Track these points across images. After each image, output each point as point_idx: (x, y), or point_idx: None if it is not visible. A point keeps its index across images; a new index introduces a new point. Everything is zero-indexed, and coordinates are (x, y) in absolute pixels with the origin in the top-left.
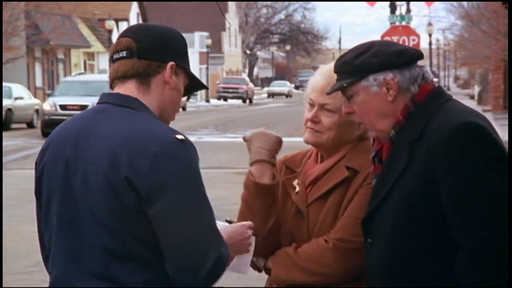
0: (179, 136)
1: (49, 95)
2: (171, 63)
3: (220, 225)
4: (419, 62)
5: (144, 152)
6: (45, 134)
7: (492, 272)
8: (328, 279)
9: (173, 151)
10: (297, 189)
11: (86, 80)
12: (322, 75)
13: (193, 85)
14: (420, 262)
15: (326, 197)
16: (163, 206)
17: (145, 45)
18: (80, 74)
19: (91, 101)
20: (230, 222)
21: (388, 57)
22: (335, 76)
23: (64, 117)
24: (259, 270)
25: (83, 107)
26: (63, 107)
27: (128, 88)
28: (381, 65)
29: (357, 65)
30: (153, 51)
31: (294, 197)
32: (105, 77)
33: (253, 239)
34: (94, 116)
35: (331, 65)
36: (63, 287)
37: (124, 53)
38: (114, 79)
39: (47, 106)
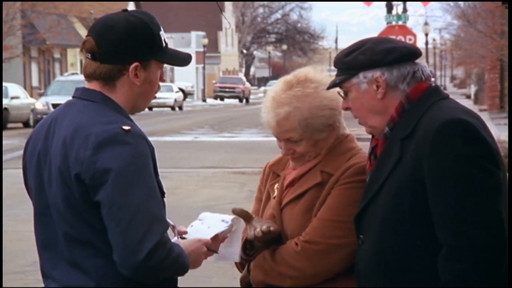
0: (126, 127)
1: (41, 95)
2: (134, 64)
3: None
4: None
5: (88, 143)
6: None
7: (469, 269)
8: (300, 282)
9: (116, 139)
10: (275, 193)
11: (79, 80)
12: (268, 110)
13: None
14: (407, 259)
15: (299, 199)
16: (105, 191)
17: (106, 50)
18: (73, 74)
19: None
20: (183, 238)
21: (376, 55)
22: (280, 105)
23: None
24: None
25: None
26: (55, 106)
27: (94, 85)
28: (369, 63)
29: (347, 62)
30: (114, 56)
31: (271, 201)
32: None
33: (241, 227)
34: (63, 110)
35: (269, 96)
36: (46, 273)
37: (89, 55)
38: (84, 76)
39: (39, 105)
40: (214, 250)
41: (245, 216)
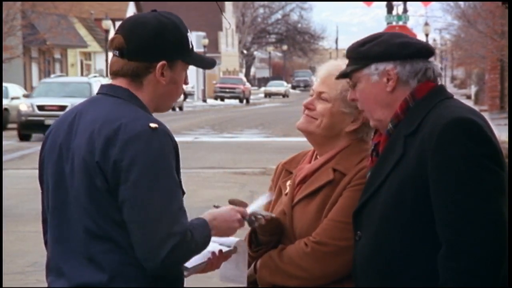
0: (153, 125)
1: (26, 96)
2: (161, 63)
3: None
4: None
5: (116, 139)
6: (22, 136)
7: (467, 269)
8: (307, 282)
9: (142, 138)
10: (287, 190)
11: (65, 82)
12: (326, 67)
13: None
14: (405, 257)
15: (311, 197)
16: (128, 190)
17: (135, 46)
18: (59, 76)
19: (70, 102)
20: (217, 206)
21: (390, 47)
22: (337, 67)
23: (42, 118)
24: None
25: (62, 108)
26: (40, 107)
27: (121, 82)
28: (382, 55)
29: (361, 52)
30: (142, 53)
31: (283, 198)
32: (85, 79)
33: (245, 249)
34: (87, 105)
35: (337, 61)
36: (53, 268)
37: (116, 52)
38: (110, 74)
39: (24, 106)
40: (247, 220)
41: (242, 205)
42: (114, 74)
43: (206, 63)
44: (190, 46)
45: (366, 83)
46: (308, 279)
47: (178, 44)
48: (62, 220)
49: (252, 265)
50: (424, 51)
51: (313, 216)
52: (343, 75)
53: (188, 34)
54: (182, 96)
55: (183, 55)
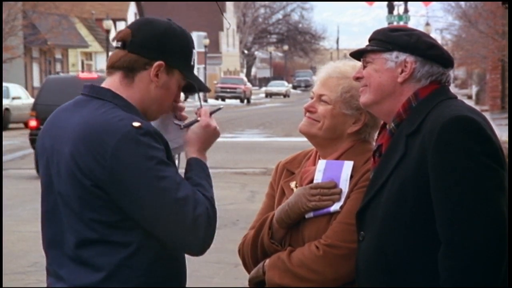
0: (136, 123)
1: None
2: (159, 62)
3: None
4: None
5: (102, 145)
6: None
7: (466, 267)
8: (319, 285)
9: (128, 139)
10: (294, 191)
11: None
12: (325, 69)
13: (191, 86)
14: (408, 256)
15: None
16: (129, 195)
17: (139, 40)
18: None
19: None
20: (184, 126)
21: (420, 43)
22: (336, 68)
23: None
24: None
25: None
26: None
27: (112, 80)
28: (409, 46)
29: (390, 36)
30: (144, 47)
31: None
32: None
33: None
34: (71, 108)
35: (336, 63)
36: (51, 271)
37: (119, 44)
38: (107, 67)
39: None
40: (217, 109)
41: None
42: (111, 67)
43: (201, 84)
44: (192, 62)
45: (380, 65)
46: (320, 282)
47: (182, 54)
48: (53, 224)
49: (260, 265)
50: (447, 59)
51: (323, 219)
52: (359, 53)
53: (194, 51)
54: (183, 96)
55: (182, 67)
